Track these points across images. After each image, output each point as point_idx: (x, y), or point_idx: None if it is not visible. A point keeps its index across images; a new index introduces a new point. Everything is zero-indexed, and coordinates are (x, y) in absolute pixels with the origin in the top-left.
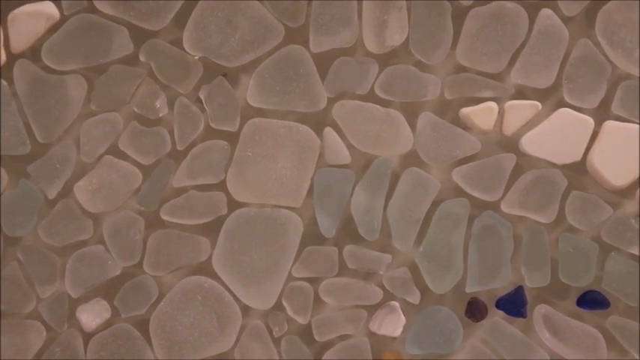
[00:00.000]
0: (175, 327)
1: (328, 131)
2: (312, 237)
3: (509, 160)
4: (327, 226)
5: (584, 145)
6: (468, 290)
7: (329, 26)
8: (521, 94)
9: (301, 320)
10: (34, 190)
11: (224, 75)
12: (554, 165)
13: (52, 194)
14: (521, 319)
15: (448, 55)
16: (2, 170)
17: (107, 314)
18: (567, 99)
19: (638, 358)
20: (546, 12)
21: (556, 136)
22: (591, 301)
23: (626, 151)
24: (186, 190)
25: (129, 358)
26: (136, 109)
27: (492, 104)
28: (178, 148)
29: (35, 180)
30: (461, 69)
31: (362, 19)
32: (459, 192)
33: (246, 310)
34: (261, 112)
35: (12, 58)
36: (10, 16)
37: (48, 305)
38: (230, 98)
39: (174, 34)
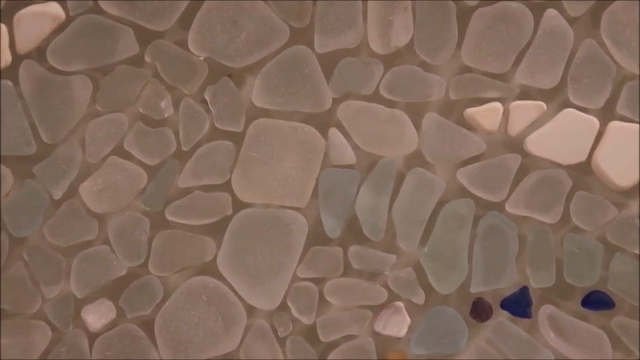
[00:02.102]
0: (180, 327)
1: (333, 132)
2: (317, 237)
3: (514, 161)
4: (332, 227)
5: (589, 146)
6: (472, 290)
7: (334, 27)
8: (526, 94)
9: (306, 320)
10: (39, 191)
11: (229, 76)
12: (559, 165)
13: (57, 195)
14: (526, 320)
15: (453, 55)
16: (8, 171)
17: (112, 314)
18: (572, 99)
19: None
20: (551, 12)
21: (561, 136)
22: (596, 301)
23: (631, 151)
24: (192, 191)
25: (134, 358)
26: (141, 110)
27: (497, 104)
28: (183, 148)
29: (41, 180)
30: (466, 69)
31: (367, 19)
32: (464, 192)
33: (251, 310)
34: (266, 113)
35: (18, 58)
36: (16, 16)
37: (53, 305)
38: (235, 99)
39: (180, 34)
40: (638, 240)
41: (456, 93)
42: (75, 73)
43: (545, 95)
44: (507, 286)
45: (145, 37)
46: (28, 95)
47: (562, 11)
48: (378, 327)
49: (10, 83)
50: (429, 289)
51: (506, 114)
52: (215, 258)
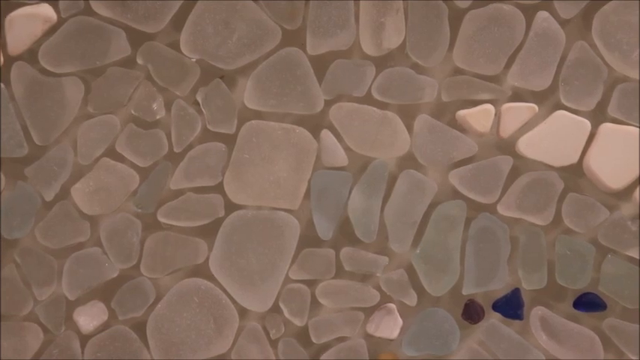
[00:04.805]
0: (172, 329)
1: (325, 133)
2: (309, 239)
3: (506, 163)
4: (325, 228)
5: (581, 148)
6: (464, 292)
7: (326, 29)
8: (518, 96)
9: (298, 322)
10: (31, 193)
11: (221, 77)
12: (550, 167)
13: (49, 196)
14: (518, 321)
15: (445, 57)
16: (0, 172)
17: (104, 316)
18: (564, 101)
19: None
20: (543, 14)
21: (553, 138)
22: (588, 303)
23: (623, 153)
24: (184, 193)
25: (126, 359)
26: (133, 112)
27: (489, 106)
28: (175, 150)
29: (32, 182)
30: (458, 71)
31: (359, 21)
32: (456, 194)
33: (243, 312)
34: (258, 115)
35: (9, 60)
36: (8, 18)
37: (45, 307)
38: (227, 100)
39: (172, 36)
40: (637, 242)
41: (448, 95)
42: (67, 74)
43: (537, 97)
44: (499, 287)
45: (137, 38)
46: (19, 97)
47: (554, 13)
48: (370, 328)
49: (1, 85)
50: (421, 291)
51: (498, 116)
52: (207, 260)
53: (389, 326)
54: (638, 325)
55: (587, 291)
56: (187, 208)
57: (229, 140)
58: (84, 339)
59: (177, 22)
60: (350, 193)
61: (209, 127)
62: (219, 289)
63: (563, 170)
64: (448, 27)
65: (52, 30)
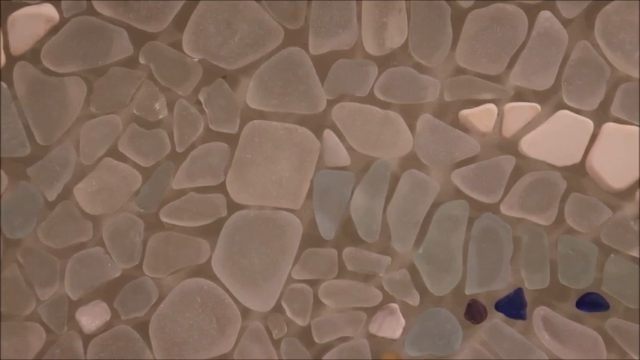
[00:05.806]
0: (175, 329)
1: (328, 133)
2: (312, 239)
3: (509, 162)
4: (327, 228)
5: (584, 147)
6: (467, 292)
7: (328, 28)
8: (520, 96)
9: (301, 322)
10: (33, 192)
11: (224, 77)
12: (553, 167)
13: (51, 196)
14: (520, 321)
15: (447, 57)
16: (2, 172)
17: (107, 316)
18: (566, 101)
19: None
20: (545, 14)
21: (555, 138)
22: (591, 303)
23: (626, 153)
24: (186, 192)
25: (128, 359)
26: (135, 111)
27: (492, 106)
28: (178, 150)
29: (35, 182)
30: (460, 71)
31: (361, 21)
32: (459, 194)
33: (245, 312)
34: (260, 114)
35: (12, 60)
36: (10, 18)
37: (47, 307)
38: (230, 100)
39: (174, 36)
40: (638, 242)
41: (451, 95)
42: (69, 74)
43: (539, 97)
44: (502, 287)
45: (140, 38)
46: (22, 97)
47: (556, 13)
48: (373, 328)
49: (4, 85)
50: (423, 291)
51: (500, 115)
52: (209, 260)
53: (391, 326)
54: None
55: (590, 291)
56: (190, 207)
57: (232, 140)
58: (86, 339)
59: (180, 22)
60: (352, 192)
61: (211, 126)
62: (222, 288)
63: (565, 170)
64: (450, 27)
65: (55, 30)
